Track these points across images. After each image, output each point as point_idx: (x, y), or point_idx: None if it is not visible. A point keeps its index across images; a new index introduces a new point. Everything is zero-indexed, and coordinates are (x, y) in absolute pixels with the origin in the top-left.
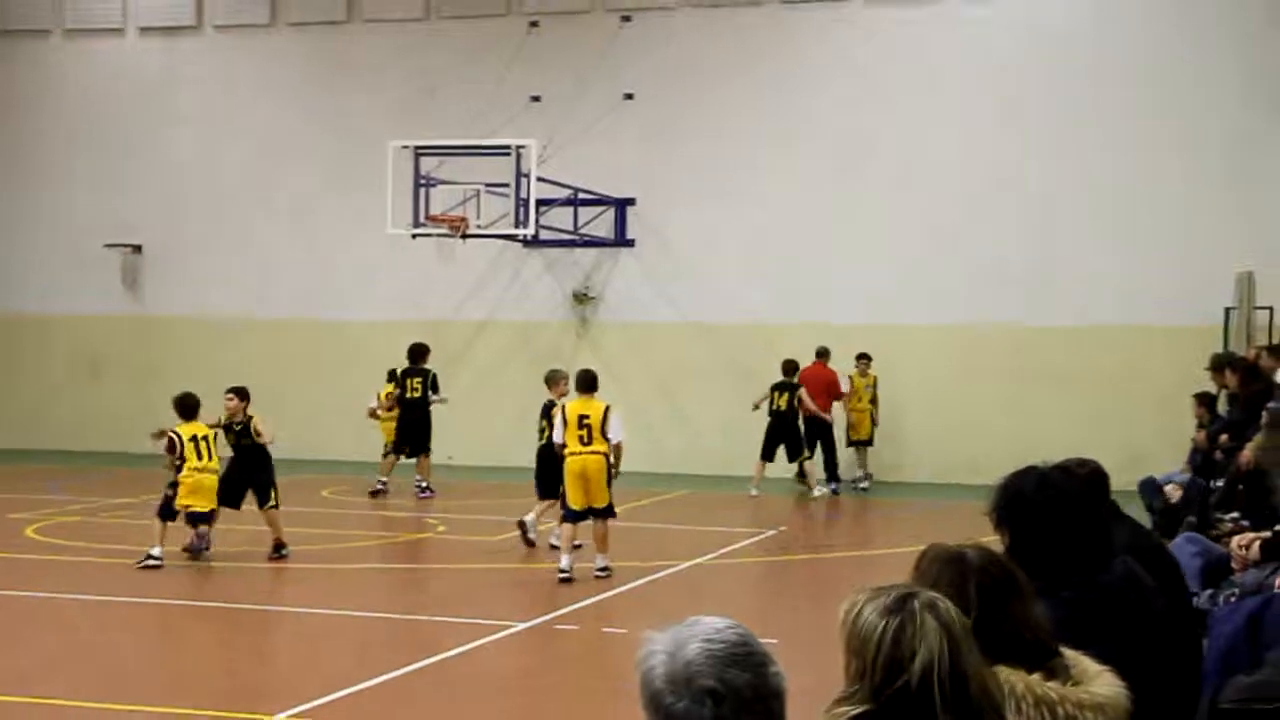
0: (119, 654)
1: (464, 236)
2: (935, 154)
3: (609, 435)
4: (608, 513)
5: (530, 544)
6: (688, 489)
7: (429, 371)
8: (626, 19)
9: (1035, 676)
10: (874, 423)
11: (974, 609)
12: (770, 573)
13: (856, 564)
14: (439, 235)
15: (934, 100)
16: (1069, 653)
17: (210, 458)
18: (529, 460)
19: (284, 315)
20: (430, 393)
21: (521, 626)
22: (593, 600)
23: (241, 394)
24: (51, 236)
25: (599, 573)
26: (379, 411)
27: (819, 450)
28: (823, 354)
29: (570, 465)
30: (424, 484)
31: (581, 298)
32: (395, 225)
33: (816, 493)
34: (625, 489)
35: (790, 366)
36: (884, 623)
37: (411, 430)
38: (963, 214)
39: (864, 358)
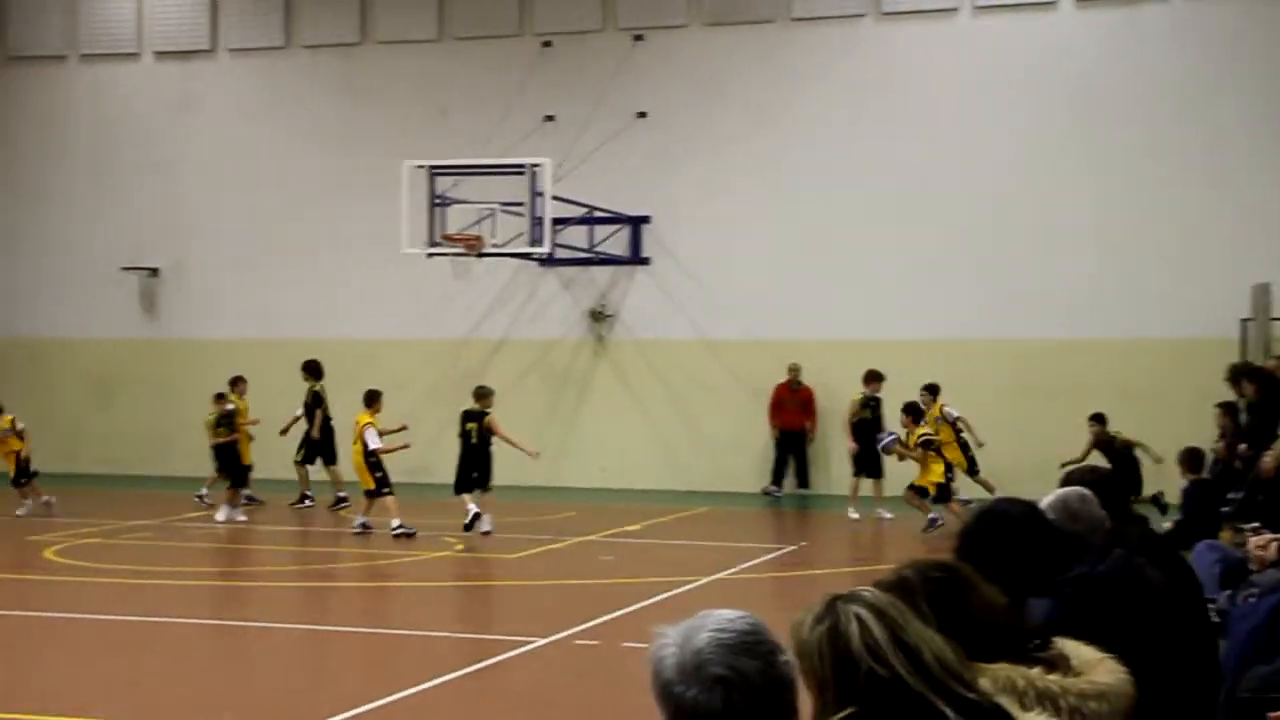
0: (137, 673)
1: (480, 255)
2: (946, 170)
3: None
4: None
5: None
6: (706, 505)
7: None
8: (639, 38)
9: (1036, 671)
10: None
11: (933, 622)
12: (791, 588)
13: (874, 578)
14: (454, 254)
15: (945, 116)
16: (1068, 643)
17: None
18: (544, 478)
19: (300, 335)
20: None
21: (542, 642)
22: (614, 615)
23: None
24: (70, 260)
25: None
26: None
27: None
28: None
29: None
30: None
31: (598, 315)
32: (411, 245)
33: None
34: (645, 504)
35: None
36: (817, 631)
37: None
38: (973, 229)
39: (929, 389)
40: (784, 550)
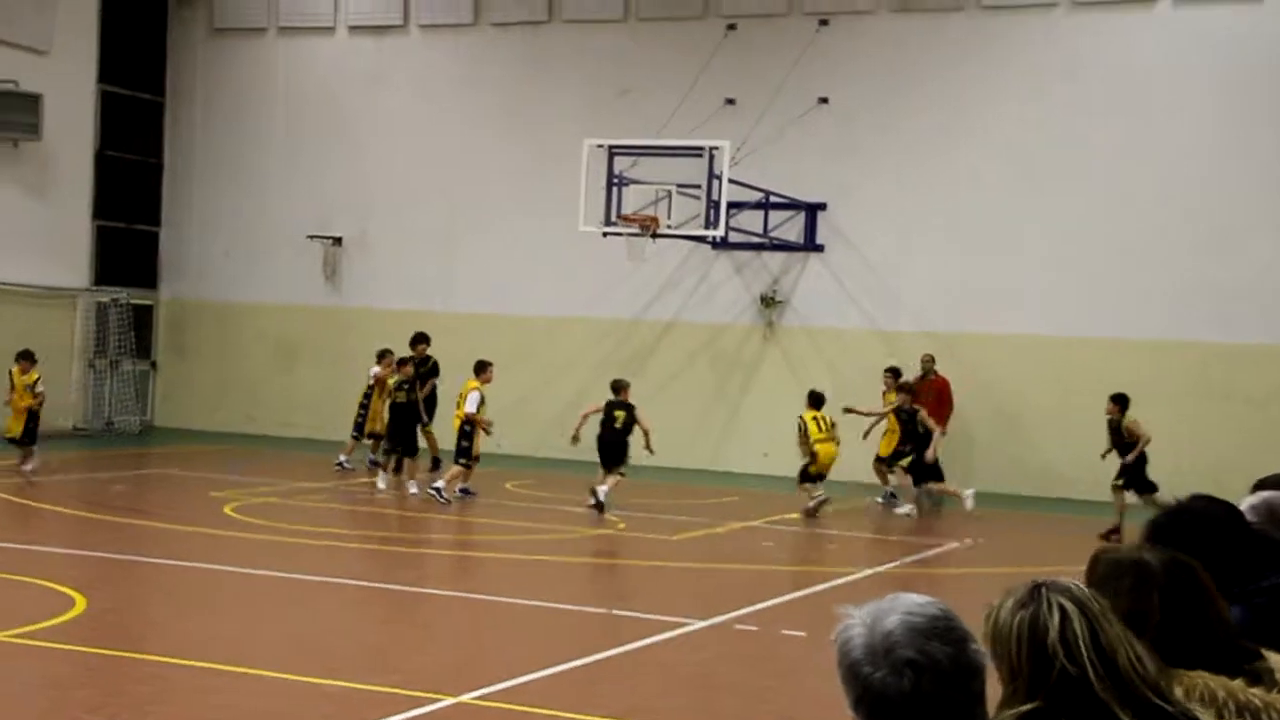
0: (306, 630)
1: (654, 236)
2: (1136, 165)
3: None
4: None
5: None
6: (870, 496)
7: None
8: (824, 22)
9: (1238, 682)
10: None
11: (1157, 614)
12: (955, 584)
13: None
14: (630, 235)
15: (1138, 109)
16: (1273, 656)
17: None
18: (707, 461)
19: (474, 309)
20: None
21: (700, 624)
22: (773, 602)
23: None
24: (258, 227)
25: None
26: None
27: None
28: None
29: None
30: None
31: (769, 301)
32: (587, 223)
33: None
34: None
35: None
36: (1018, 617)
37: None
38: (1162, 226)
39: (890, 371)
40: (946, 547)
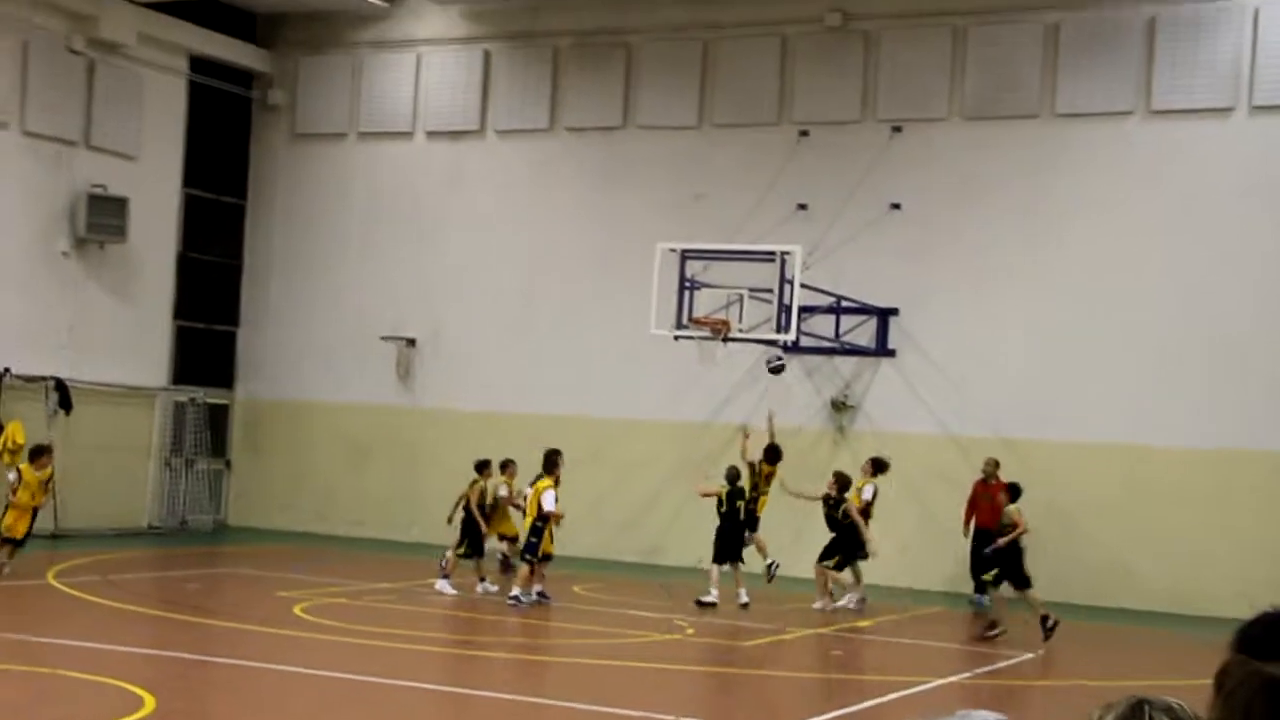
0: None
1: (726, 340)
2: (1211, 273)
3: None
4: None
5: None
6: (941, 605)
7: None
8: (897, 129)
9: None
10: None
11: None
12: (1031, 698)
13: (1121, 694)
14: (701, 338)
15: (1213, 217)
16: None
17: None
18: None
19: (546, 410)
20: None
21: None
22: (842, 712)
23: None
24: (333, 327)
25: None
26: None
27: None
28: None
29: None
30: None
31: (840, 406)
32: (659, 326)
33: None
34: (877, 600)
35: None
36: None
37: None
38: (1239, 333)
39: (871, 461)
40: (1019, 658)
